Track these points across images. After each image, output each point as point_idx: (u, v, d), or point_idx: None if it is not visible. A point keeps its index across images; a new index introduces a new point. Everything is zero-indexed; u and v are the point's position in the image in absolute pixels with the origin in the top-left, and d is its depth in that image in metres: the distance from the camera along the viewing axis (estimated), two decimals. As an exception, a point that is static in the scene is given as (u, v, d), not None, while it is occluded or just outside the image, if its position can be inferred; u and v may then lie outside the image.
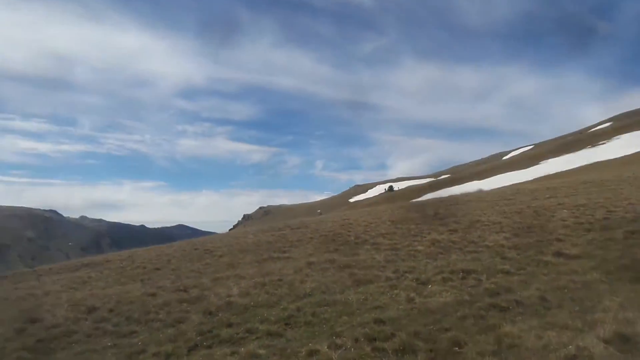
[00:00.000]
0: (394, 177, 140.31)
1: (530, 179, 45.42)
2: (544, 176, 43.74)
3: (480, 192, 31.95)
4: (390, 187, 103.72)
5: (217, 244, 19.28)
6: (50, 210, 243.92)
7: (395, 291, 7.97)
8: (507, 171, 61.32)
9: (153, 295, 9.97)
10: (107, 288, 12.62)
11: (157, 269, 15.25)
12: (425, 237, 14.17)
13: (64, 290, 13.48)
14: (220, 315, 7.67)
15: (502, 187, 36.03)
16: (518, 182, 42.73)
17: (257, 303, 8.19)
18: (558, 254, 9.59)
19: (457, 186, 59.97)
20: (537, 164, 56.92)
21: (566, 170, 42.70)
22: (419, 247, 12.25)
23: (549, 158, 57.96)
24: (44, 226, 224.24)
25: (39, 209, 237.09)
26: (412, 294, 7.57)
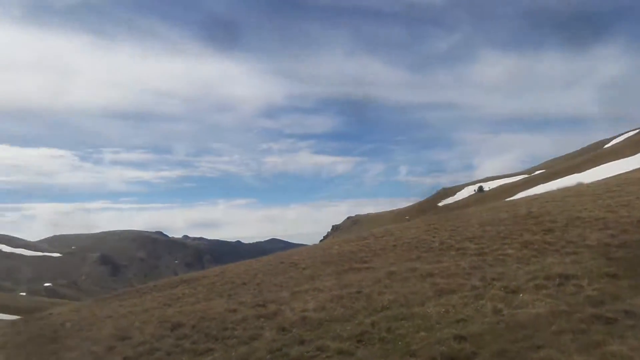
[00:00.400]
0: (483, 177, 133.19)
1: (638, 166, 40.75)
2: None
3: (579, 185, 29.19)
4: (480, 188, 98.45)
5: (302, 257, 19.36)
6: (157, 232, 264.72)
7: (481, 302, 7.22)
8: (610, 161, 55.50)
9: (234, 311, 10.07)
10: (195, 304, 13.06)
11: (244, 283, 15.56)
12: (516, 239, 13.01)
13: (158, 307, 14.22)
14: (293, 331, 7.46)
15: (606, 178, 32.58)
16: (624, 171, 38.42)
17: (332, 317, 7.87)
18: (677, 251, 8.23)
19: (553, 181, 55.52)
20: (648, 149, 50.82)
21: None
22: (509, 251, 11.22)
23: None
24: (152, 246, 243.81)
25: (147, 231, 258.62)
26: (500, 305, 6.79)
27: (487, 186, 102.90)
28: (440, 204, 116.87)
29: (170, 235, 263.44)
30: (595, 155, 72.26)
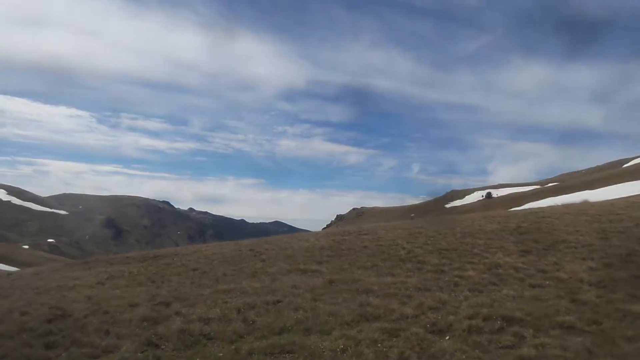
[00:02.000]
0: (495, 184, 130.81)
1: None
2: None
3: (584, 203, 27.23)
4: (489, 194, 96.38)
5: (274, 246, 17.94)
6: (164, 201, 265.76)
7: (393, 340, 5.66)
8: (626, 181, 53.03)
9: (135, 305, 8.64)
10: (120, 288, 11.71)
11: (195, 269, 14.26)
12: (486, 257, 11.38)
13: (88, 285, 12.92)
14: (161, 348, 5.99)
15: (615, 199, 30.47)
16: (637, 194, 36.21)
17: (217, 334, 6.38)
18: (661, 302, 6.54)
19: (563, 196, 53.41)
20: (666, 173, 48.21)
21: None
22: (469, 273, 9.58)
23: (681, 167, 48.83)
24: (158, 215, 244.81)
25: (155, 200, 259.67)
26: (410, 352, 5.22)
27: (496, 193, 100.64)
28: (447, 206, 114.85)
29: (176, 207, 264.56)
30: (610, 173, 69.37)
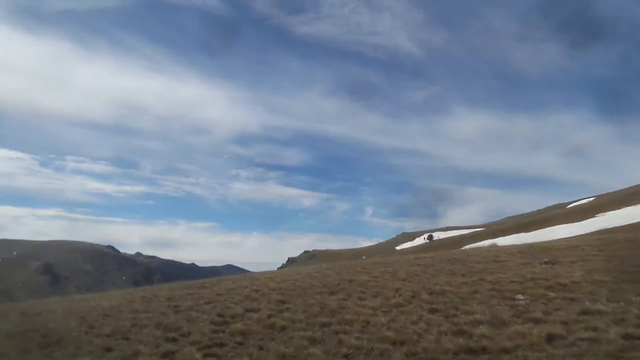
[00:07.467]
0: (443, 226, 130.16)
1: (580, 233, 36.31)
2: (595, 231, 34.41)
3: (492, 247, 23.97)
4: (430, 236, 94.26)
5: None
6: (109, 246, 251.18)
7: None
8: (558, 224, 51.41)
9: None
10: None
11: None
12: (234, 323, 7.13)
13: None
14: None
15: (523, 244, 27.45)
16: (563, 237, 33.74)
17: None
18: None
19: (499, 238, 51.26)
20: (593, 217, 46.50)
21: (623, 226, 33.09)
22: None
23: (606, 211, 47.33)
24: (102, 261, 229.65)
25: (99, 245, 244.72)
26: None
27: (441, 235, 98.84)
28: (398, 248, 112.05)
29: (122, 251, 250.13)
30: (545, 217, 68.30)
